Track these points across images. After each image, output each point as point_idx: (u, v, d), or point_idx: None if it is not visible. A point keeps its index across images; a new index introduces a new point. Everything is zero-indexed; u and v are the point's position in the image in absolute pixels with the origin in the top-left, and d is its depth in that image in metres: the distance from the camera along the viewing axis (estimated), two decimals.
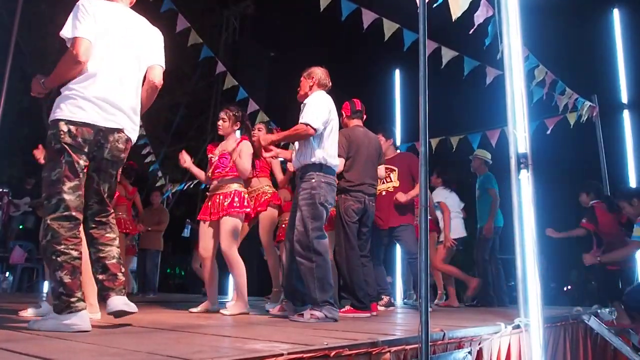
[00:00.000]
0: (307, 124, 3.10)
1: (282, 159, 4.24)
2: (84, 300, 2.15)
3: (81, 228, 2.29)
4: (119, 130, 2.36)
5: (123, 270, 2.40)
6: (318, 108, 3.17)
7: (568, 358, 3.53)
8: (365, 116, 4.08)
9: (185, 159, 3.72)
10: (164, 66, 2.57)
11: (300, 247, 3.06)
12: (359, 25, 4.69)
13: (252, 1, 15.20)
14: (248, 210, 3.61)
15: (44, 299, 3.09)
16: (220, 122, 3.77)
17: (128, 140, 2.43)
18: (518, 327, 2.61)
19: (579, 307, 4.47)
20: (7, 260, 7.61)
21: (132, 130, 2.44)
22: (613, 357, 4.24)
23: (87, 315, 2.14)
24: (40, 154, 3.44)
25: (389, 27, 4.77)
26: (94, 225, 2.38)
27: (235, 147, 3.61)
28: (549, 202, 4.68)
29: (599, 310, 4.33)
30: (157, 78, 2.53)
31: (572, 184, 4.80)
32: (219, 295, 3.89)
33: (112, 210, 2.47)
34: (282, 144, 4.07)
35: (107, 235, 2.39)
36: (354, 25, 4.76)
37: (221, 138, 3.85)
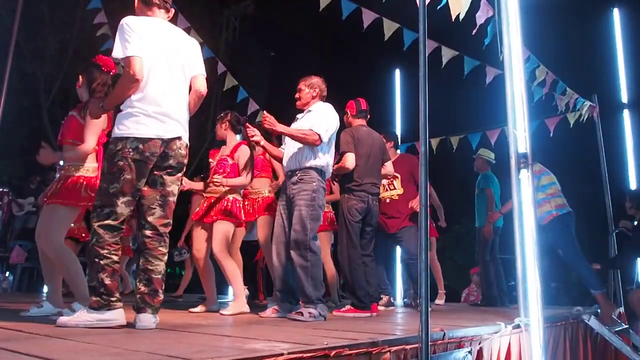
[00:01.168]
0: (319, 135, 3.18)
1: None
2: (120, 300, 2.31)
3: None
4: (179, 139, 2.49)
5: (163, 287, 2.45)
6: (330, 123, 3.31)
7: (568, 358, 3.53)
8: (369, 115, 4.10)
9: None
10: (205, 74, 2.69)
11: (297, 246, 3.11)
12: (359, 25, 4.68)
13: (252, 1, 15.23)
14: (239, 221, 3.64)
15: (44, 299, 3.09)
16: (216, 128, 3.91)
17: (187, 145, 2.56)
18: (518, 326, 2.61)
19: (579, 307, 4.47)
20: (7, 260, 7.61)
21: (186, 136, 2.57)
22: (613, 357, 4.24)
23: (122, 312, 2.30)
24: (45, 155, 3.00)
25: (389, 27, 4.76)
26: (150, 235, 2.44)
27: (231, 153, 3.63)
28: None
29: (599, 310, 4.33)
30: (203, 87, 2.66)
31: (572, 183, 4.78)
32: (218, 295, 3.90)
33: (171, 222, 2.53)
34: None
35: (160, 248, 2.45)
36: (354, 25, 4.76)
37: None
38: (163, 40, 2.48)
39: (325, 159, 3.29)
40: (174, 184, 2.51)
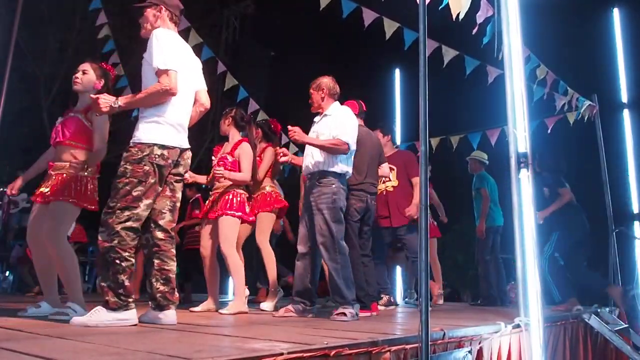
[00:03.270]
0: (348, 144, 3.24)
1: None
2: (133, 301, 2.43)
3: None
4: (189, 150, 2.68)
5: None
6: (352, 129, 3.33)
7: (568, 357, 3.53)
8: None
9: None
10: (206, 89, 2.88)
11: (326, 250, 3.16)
12: (360, 25, 4.68)
13: (252, 1, 15.20)
14: (246, 217, 3.64)
15: (45, 298, 3.08)
16: (220, 123, 3.91)
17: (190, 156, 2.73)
18: (518, 326, 2.62)
19: (579, 306, 4.46)
20: (7, 260, 7.60)
21: None
22: (613, 356, 4.24)
23: (136, 312, 2.42)
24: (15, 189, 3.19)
25: (390, 26, 4.75)
26: (163, 238, 2.58)
27: (232, 150, 3.63)
28: (549, 201, 4.69)
29: (599, 310, 4.33)
30: (208, 102, 2.86)
31: (571, 183, 4.78)
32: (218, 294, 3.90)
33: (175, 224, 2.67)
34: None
35: (172, 250, 2.61)
36: (355, 24, 4.76)
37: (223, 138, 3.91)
38: (184, 55, 2.63)
39: (344, 168, 3.32)
40: (180, 191, 2.69)
